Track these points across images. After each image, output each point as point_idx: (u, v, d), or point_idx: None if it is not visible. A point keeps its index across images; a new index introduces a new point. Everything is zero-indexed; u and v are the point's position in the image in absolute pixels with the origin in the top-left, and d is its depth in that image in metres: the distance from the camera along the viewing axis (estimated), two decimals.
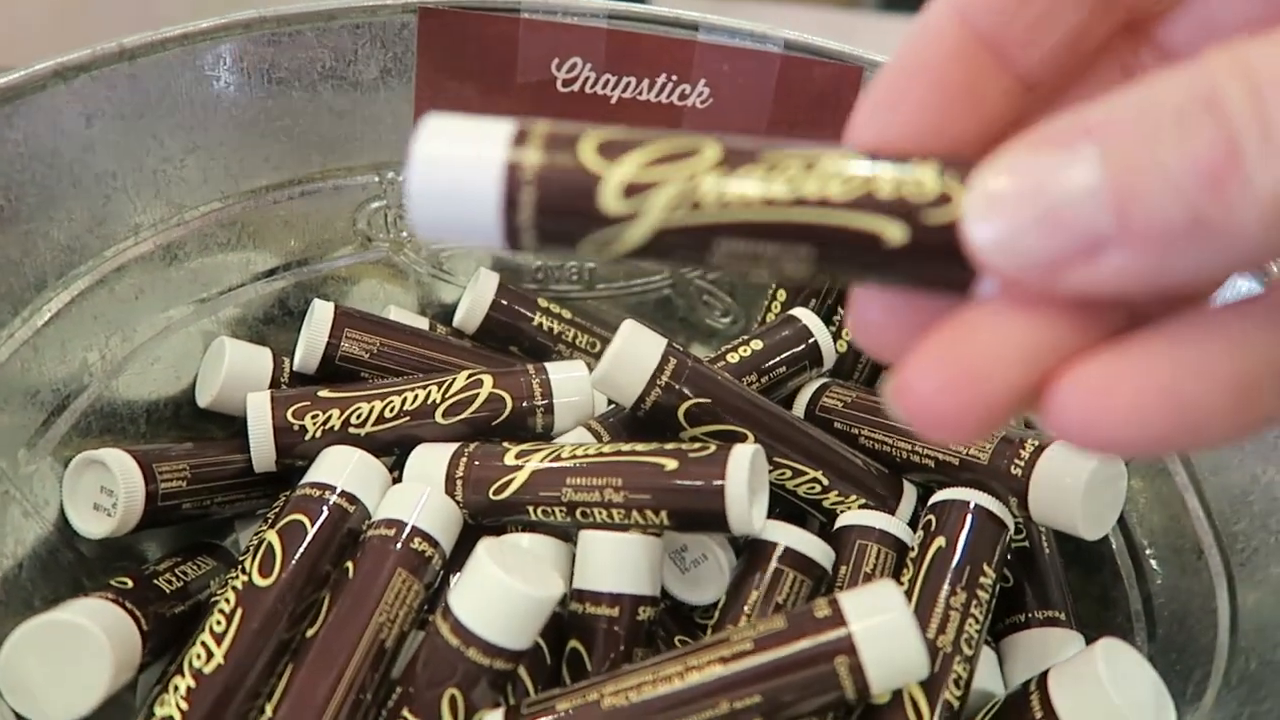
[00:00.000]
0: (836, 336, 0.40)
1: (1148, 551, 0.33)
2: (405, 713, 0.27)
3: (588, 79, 0.40)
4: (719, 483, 0.29)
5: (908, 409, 0.13)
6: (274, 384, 0.37)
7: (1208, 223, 0.10)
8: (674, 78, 0.40)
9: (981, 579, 0.30)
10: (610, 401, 0.37)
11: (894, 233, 0.13)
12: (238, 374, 0.36)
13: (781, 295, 0.42)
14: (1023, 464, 0.31)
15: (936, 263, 0.13)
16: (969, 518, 0.31)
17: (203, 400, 0.37)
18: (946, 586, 0.30)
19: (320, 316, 0.37)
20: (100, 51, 0.32)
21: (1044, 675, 0.28)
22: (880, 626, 0.25)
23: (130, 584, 0.30)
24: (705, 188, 0.14)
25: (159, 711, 0.26)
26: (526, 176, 0.14)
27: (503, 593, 0.26)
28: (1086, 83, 0.15)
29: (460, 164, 0.14)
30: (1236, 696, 0.25)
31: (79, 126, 0.32)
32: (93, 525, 0.31)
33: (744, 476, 0.29)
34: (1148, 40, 0.15)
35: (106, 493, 0.31)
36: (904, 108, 0.14)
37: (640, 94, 0.40)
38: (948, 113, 0.14)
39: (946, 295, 0.13)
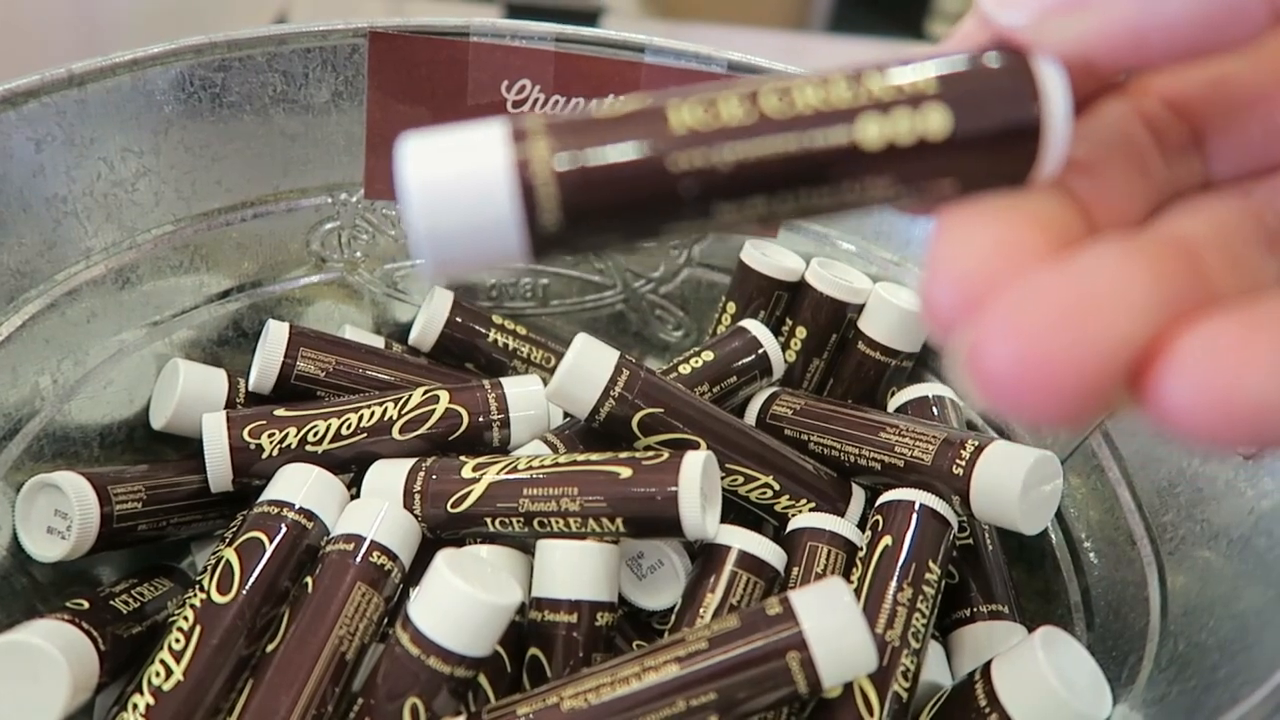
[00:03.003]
0: (785, 347, 0.42)
1: (1085, 545, 0.35)
2: None
3: (538, 100, 0.41)
4: (673, 489, 0.30)
5: (986, 379, 0.10)
6: (229, 405, 0.37)
7: None
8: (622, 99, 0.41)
9: (927, 575, 0.31)
10: (565, 414, 0.37)
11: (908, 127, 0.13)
12: (192, 395, 0.36)
13: (731, 308, 0.43)
14: (964, 464, 0.32)
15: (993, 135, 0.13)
16: (914, 517, 0.32)
17: (157, 422, 0.37)
18: (894, 583, 0.31)
19: (275, 336, 0.37)
20: (49, 77, 0.32)
21: (988, 665, 0.29)
22: (830, 622, 0.26)
23: (87, 605, 0.30)
24: (731, 104, 0.13)
25: None
26: (541, 178, 0.12)
27: (462, 601, 0.27)
28: None
29: (464, 181, 0.12)
30: (1166, 677, 0.26)
31: (28, 152, 0.33)
32: (47, 549, 0.31)
33: (697, 482, 0.30)
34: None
35: (60, 516, 0.31)
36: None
37: None
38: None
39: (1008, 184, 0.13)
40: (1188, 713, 0.23)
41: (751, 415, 0.40)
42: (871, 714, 0.28)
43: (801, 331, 0.42)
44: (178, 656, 0.27)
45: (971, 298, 0.11)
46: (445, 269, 0.13)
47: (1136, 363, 0.10)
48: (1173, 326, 0.10)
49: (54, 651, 0.26)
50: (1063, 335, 0.09)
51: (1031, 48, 0.13)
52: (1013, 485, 0.31)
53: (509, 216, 0.12)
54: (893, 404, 0.40)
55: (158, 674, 0.27)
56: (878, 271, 0.42)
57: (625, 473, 0.31)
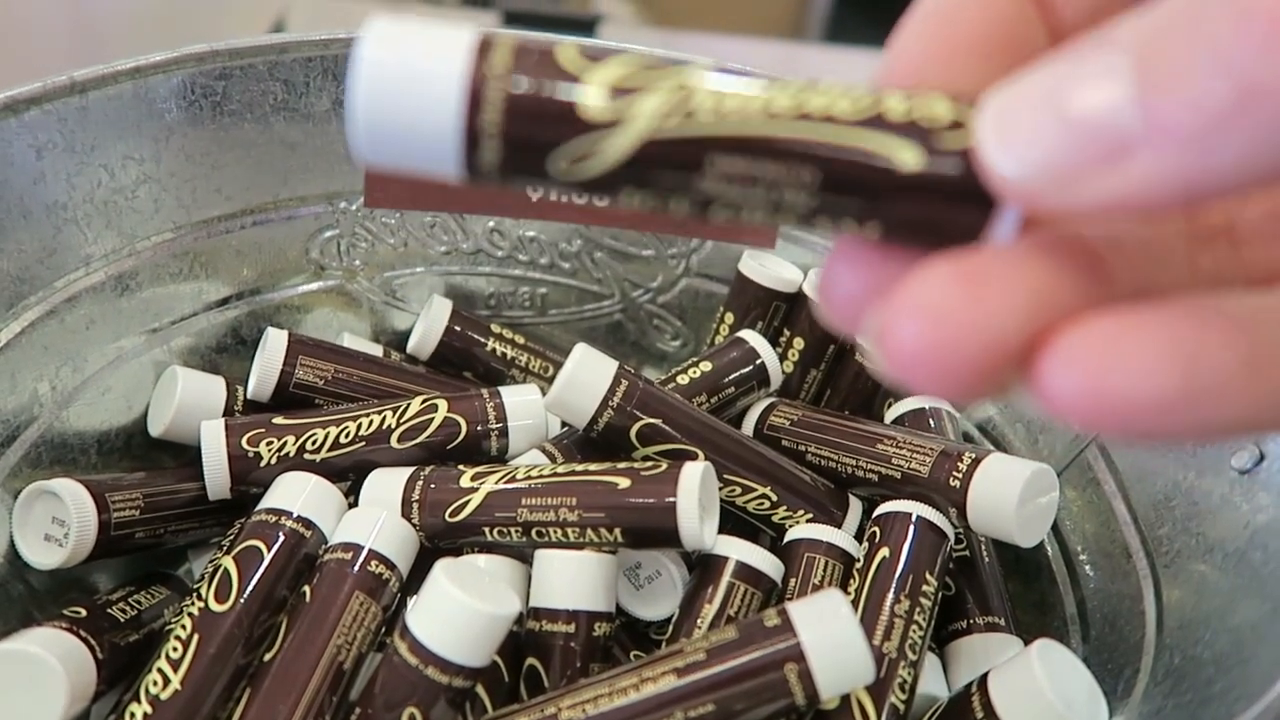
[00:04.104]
0: (783, 358, 0.42)
1: (1081, 557, 0.35)
2: None
3: None
4: (671, 500, 0.30)
5: (888, 354, 0.11)
6: (228, 412, 0.37)
7: (1262, 88, 0.09)
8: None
9: (924, 587, 0.31)
10: (564, 424, 0.37)
11: (907, 156, 0.12)
12: (191, 403, 0.36)
13: (729, 319, 0.43)
14: (960, 476, 0.33)
15: (948, 197, 0.12)
16: (911, 529, 0.32)
17: (155, 430, 0.37)
18: (891, 595, 0.31)
19: (274, 344, 0.37)
20: (51, 85, 0.32)
21: (984, 677, 0.29)
22: (828, 633, 0.26)
23: (84, 613, 0.29)
24: (700, 95, 0.12)
25: None
26: (495, 71, 0.12)
27: (460, 611, 0.27)
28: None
29: (415, 67, 0.12)
30: (1162, 690, 0.26)
31: (29, 159, 0.33)
32: (44, 556, 0.31)
33: (695, 493, 0.30)
34: None
35: (58, 523, 0.31)
36: (954, 32, 0.13)
37: None
38: (991, 48, 0.13)
39: (952, 244, 0.12)
40: None
41: (749, 426, 0.40)
42: None
43: (799, 342, 0.42)
44: (175, 665, 0.27)
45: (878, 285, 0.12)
46: (375, 159, 0.13)
47: (1025, 352, 0.11)
48: (1059, 322, 0.11)
49: (52, 660, 0.26)
50: (952, 327, 0.11)
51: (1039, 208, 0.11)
52: (1009, 498, 0.31)
53: (450, 119, 0.12)
54: (890, 415, 0.40)
55: (155, 683, 0.27)
56: None
57: (623, 483, 0.31)
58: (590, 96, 0.12)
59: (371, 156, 0.13)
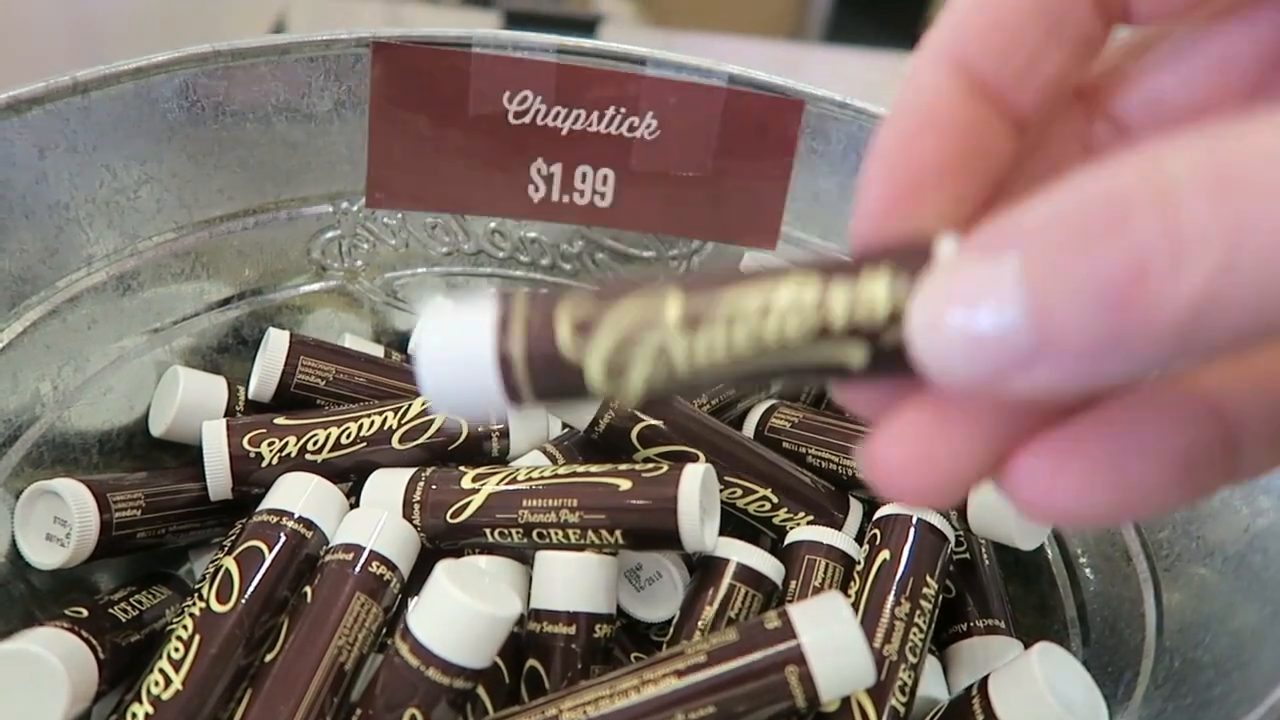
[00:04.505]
0: None
1: (1081, 560, 0.35)
2: None
3: (539, 111, 0.41)
4: (672, 502, 0.30)
5: (878, 480, 0.13)
6: (229, 412, 0.37)
7: (1122, 340, 0.10)
8: (622, 110, 0.42)
9: (925, 590, 0.31)
10: (565, 425, 0.37)
11: (855, 356, 0.14)
12: (192, 403, 0.36)
13: None
14: None
15: (897, 369, 0.13)
16: (912, 531, 0.32)
17: (157, 430, 0.37)
18: (891, 597, 0.31)
19: (276, 344, 0.37)
20: (54, 85, 0.32)
21: (984, 680, 0.29)
22: (828, 636, 0.26)
23: (85, 613, 0.29)
24: (676, 358, 0.15)
25: None
26: (519, 373, 0.16)
27: (461, 613, 0.27)
28: (1049, 154, 0.16)
29: (460, 363, 0.16)
30: (1162, 694, 0.26)
31: (31, 158, 0.33)
32: (45, 556, 0.31)
33: (696, 495, 0.30)
34: (1101, 112, 0.16)
35: (60, 523, 0.31)
36: (919, 161, 0.14)
37: (590, 126, 0.42)
38: (957, 165, 0.14)
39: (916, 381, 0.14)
40: None
41: (750, 428, 0.40)
42: None
43: None
44: (177, 666, 0.27)
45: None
46: (443, 411, 0.17)
47: (991, 467, 0.13)
48: (1015, 444, 0.13)
49: (54, 660, 0.26)
50: (926, 473, 0.13)
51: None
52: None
53: (492, 389, 0.16)
54: None
55: (157, 683, 0.27)
56: None
57: (624, 485, 0.31)
58: (596, 382, 0.15)
59: (440, 410, 0.17)
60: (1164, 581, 0.30)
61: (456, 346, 0.16)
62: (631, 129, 0.42)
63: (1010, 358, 0.11)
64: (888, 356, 0.14)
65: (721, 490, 0.35)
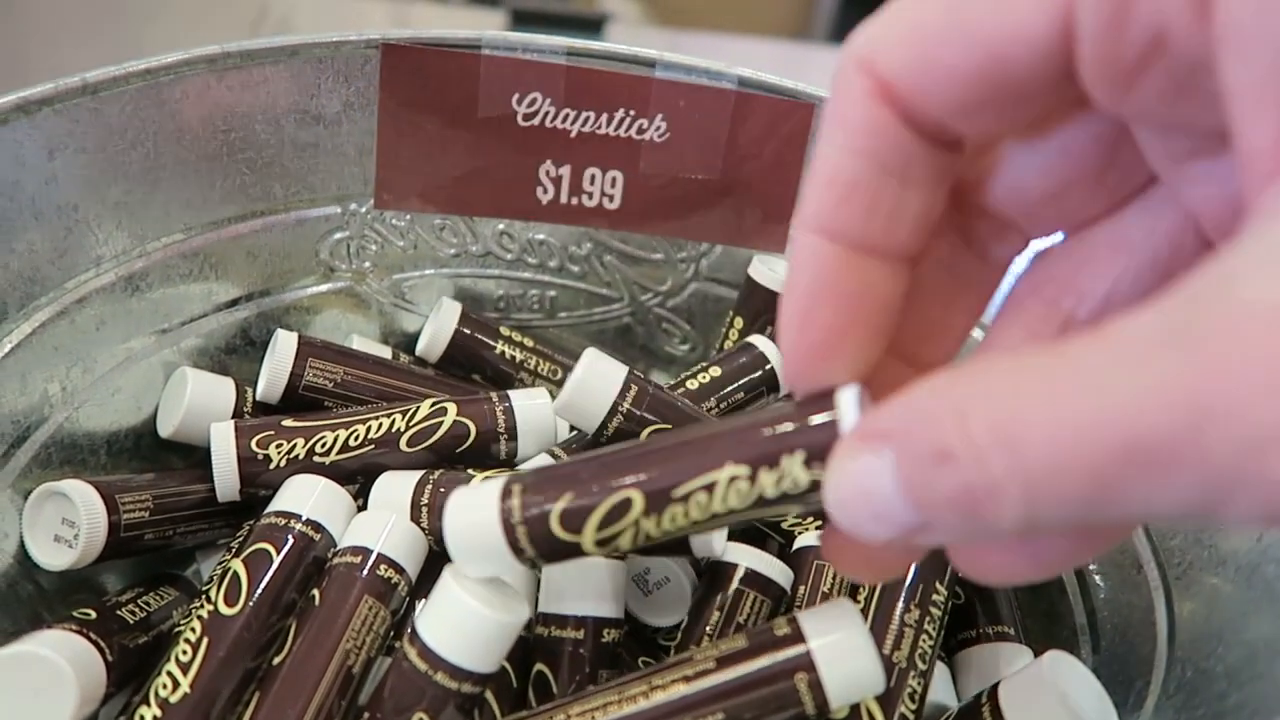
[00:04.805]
0: None
1: (1092, 568, 0.35)
2: None
3: (548, 113, 0.41)
4: None
5: (832, 562, 0.20)
6: (237, 414, 0.37)
7: (979, 531, 0.13)
8: (632, 112, 0.41)
9: (934, 596, 0.31)
10: (572, 428, 0.37)
11: (791, 511, 0.20)
12: (200, 404, 0.36)
13: (739, 323, 0.43)
14: None
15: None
16: None
17: (165, 431, 0.37)
18: (901, 604, 0.31)
19: (284, 346, 0.37)
20: (63, 85, 0.32)
21: (994, 687, 0.29)
22: (838, 643, 0.26)
23: (93, 615, 0.29)
24: (649, 529, 0.22)
25: None
26: (528, 552, 0.23)
27: (469, 617, 0.27)
28: (942, 262, 0.18)
29: (472, 522, 0.23)
30: (1174, 704, 0.26)
31: (41, 159, 0.33)
32: (53, 557, 0.31)
33: None
34: (976, 209, 0.18)
35: (68, 524, 0.31)
36: (820, 327, 0.17)
37: (599, 128, 0.42)
38: (856, 315, 0.17)
39: None
40: None
41: None
42: None
43: None
44: (185, 668, 0.27)
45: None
46: (464, 569, 0.25)
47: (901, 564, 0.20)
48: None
49: (62, 662, 0.26)
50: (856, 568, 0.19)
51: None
52: None
53: (500, 549, 0.23)
54: None
55: (164, 686, 0.27)
56: None
57: None
58: (589, 548, 0.22)
59: (461, 568, 0.25)
60: (1175, 590, 0.30)
61: (469, 515, 0.23)
62: (641, 131, 0.42)
63: (902, 530, 0.14)
64: (815, 510, 0.20)
65: None
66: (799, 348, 0.17)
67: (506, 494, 0.23)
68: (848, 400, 0.19)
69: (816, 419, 0.19)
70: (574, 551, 0.22)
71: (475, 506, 0.23)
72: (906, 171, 0.16)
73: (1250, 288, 0.10)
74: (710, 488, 0.21)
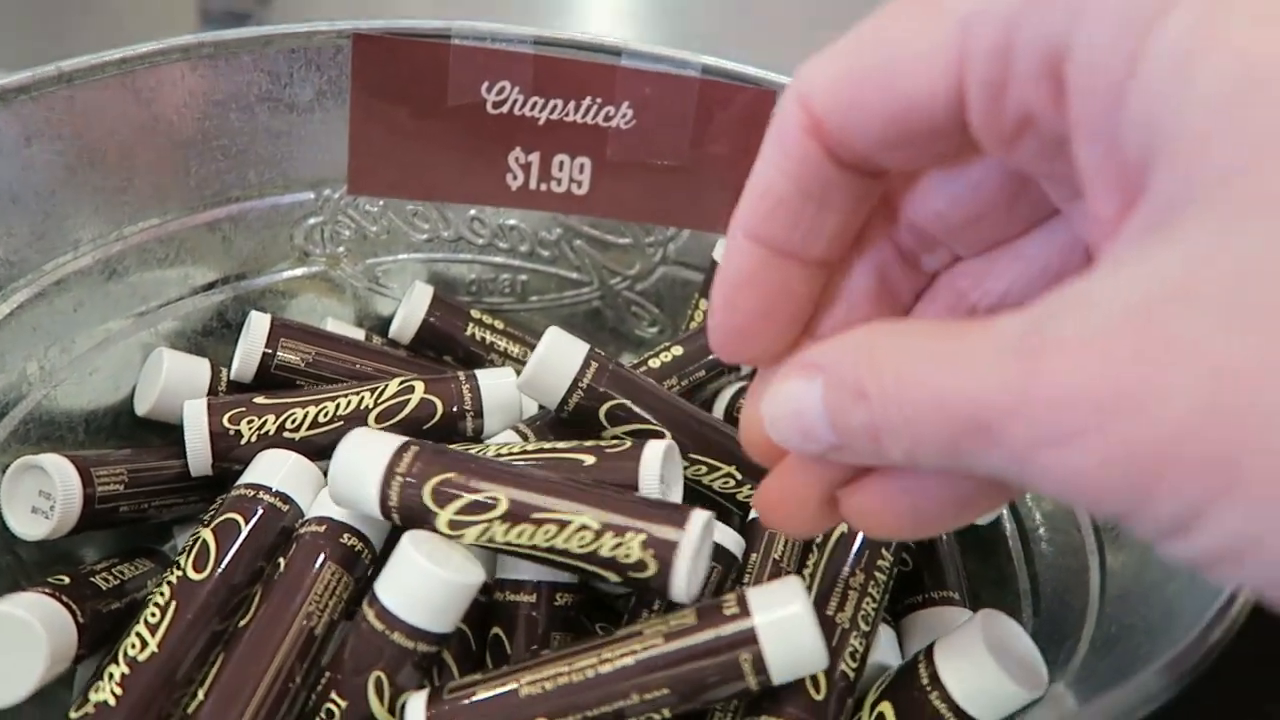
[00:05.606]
0: None
1: (1039, 533, 0.36)
2: (333, 695, 0.28)
3: (516, 101, 0.42)
4: (633, 475, 0.31)
5: (759, 515, 0.22)
6: (211, 393, 0.38)
7: (877, 458, 0.16)
8: (599, 100, 0.43)
9: (879, 562, 0.32)
10: (540, 406, 0.39)
11: (611, 578, 0.27)
12: (176, 383, 0.37)
13: (704, 305, 0.44)
14: None
15: (642, 591, 0.24)
16: None
17: (141, 409, 0.38)
18: (846, 568, 0.32)
19: (257, 326, 0.39)
20: (39, 74, 0.34)
21: (931, 645, 0.30)
22: (782, 621, 0.27)
23: (67, 580, 0.31)
24: (496, 532, 0.27)
25: (93, 698, 0.27)
26: (392, 501, 0.28)
27: (425, 579, 0.28)
28: (864, 255, 0.21)
29: (357, 491, 0.28)
30: (1098, 655, 0.27)
31: (19, 146, 0.34)
32: (30, 528, 0.32)
33: (656, 469, 0.31)
34: (903, 222, 0.20)
35: (44, 496, 0.32)
36: (742, 313, 0.19)
37: (567, 115, 0.43)
38: (774, 306, 0.19)
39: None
40: (1106, 688, 0.24)
41: (720, 409, 0.41)
42: (818, 691, 0.29)
43: None
44: (153, 630, 0.28)
45: None
46: (338, 502, 0.30)
47: (830, 504, 0.20)
48: (841, 490, 0.20)
49: (34, 622, 0.27)
50: (784, 511, 0.21)
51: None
52: None
53: (372, 494, 0.29)
54: None
55: (133, 646, 0.28)
56: None
57: (589, 460, 0.32)
58: (442, 527, 0.27)
59: (335, 501, 0.29)
60: (1109, 553, 0.31)
61: (359, 482, 0.28)
62: (608, 118, 0.43)
63: (823, 447, 0.17)
64: (633, 582, 0.26)
65: (687, 468, 0.36)
66: (723, 328, 0.20)
67: (403, 449, 0.28)
68: (695, 521, 0.26)
69: (666, 523, 0.26)
70: (428, 522, 0.27)
71: (369, 447, 0.28)
72: (826, 197, 0.18)
73: (1067, 324, 0.13)
74: (563, 524, 0.26)
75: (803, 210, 0.18)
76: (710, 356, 0.40)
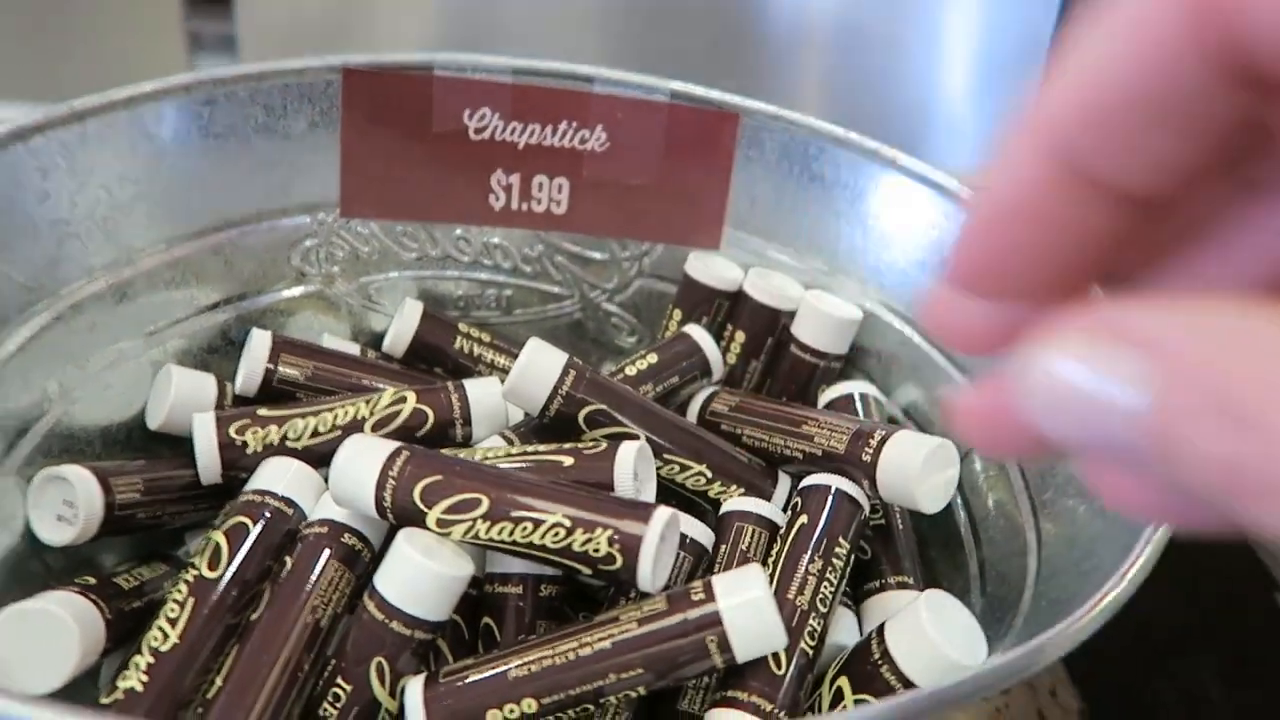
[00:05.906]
0: (726, 350, 0.46)
1: (988, 521, 0.39)
2: (339, 681, 0.31)
3: (497, 127, 0.45)
4: (608, 474, 0.34)
5: (962, 430, 0.15)
6: (218, 406, 0.41)
7: (1230, 501, 0.10)
8: (574, 124, 0.46)
9: (837, 549, 0.35)
10: (525, 414, 0.41)
11: (584, 571, 0.30)
12: (185, 398, 0.40)
13: (678, 315, 0.47)
14: (871, 451, 0.37)
15: (612, 582, 0.29)
16: (829, 499, 0.36)
17: (153, 423, 0.40)
18: (806, 556, 0.35)
19: (258, 344, 0.41)
20: (53, 114, 0.36)
21: (883, 624, 0.33)
22: (743, 605, 0.30)
23: (94, 581, 0.33)
24: (480, 530, 0.30)
25: (122, 685, 0.30)
26: (386, 502, 0.31)
27: (420, 572, 0.31)
28: (1210, 203, 0.15)
29: (355, 491, 0.31)
30: (1029, 629, 0.30)
31: (35, 180, 0.36)
32: (56, 534, 0.35)
33: (630, 468, 0.34)
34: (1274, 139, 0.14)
35: (68, 505, 0.35)
36: (998, 254, 0.14)
37: (545, 140, 0.46)
38: (1045, 254, 0.14)
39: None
40: (1031, 654, 0.26)
41: (693, 412, 0.44)
42: (780, 668, 0.32)
43: (740, 336, 0.46)
44: (173, 623, 0.31)
45: None
46: (339, 503, 0.34)
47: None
48: None
49: (67, 617, 0.30)
50: (990, 427, 0.15)
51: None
52: (912, 469, 0.35)
53: (368, 496, 0.32)
54: (823, 400, 0.44)
55: (156, 638, 0.31)
56: (810, 280, 0.46)
57: (568, 461, 0.35)
58: (431, 524, 0.31)
59: (337, 501, 0.33)
60: (1044, 535, 0.34)
61: (356, 484, 0.31)
62: (583, 142, 0.46)
63: (1115, 451, 0.11)
64: (603, 575, 0.30)
65: (661, 467, 0.38)
66: (972, 264, 0.14)
67: (396, 455, 0.31)
68: (658, 517, 0.29)
69: (631, 519, 0.29)
70: (419, 521, 0.30)
71: (366, 453, 0.31)
72: (1181, 111, 0.12)
73: None
74: (538, 522, 0.29)
75: (1134, 129, 0.12)
76: (683, 364, 0.43)
